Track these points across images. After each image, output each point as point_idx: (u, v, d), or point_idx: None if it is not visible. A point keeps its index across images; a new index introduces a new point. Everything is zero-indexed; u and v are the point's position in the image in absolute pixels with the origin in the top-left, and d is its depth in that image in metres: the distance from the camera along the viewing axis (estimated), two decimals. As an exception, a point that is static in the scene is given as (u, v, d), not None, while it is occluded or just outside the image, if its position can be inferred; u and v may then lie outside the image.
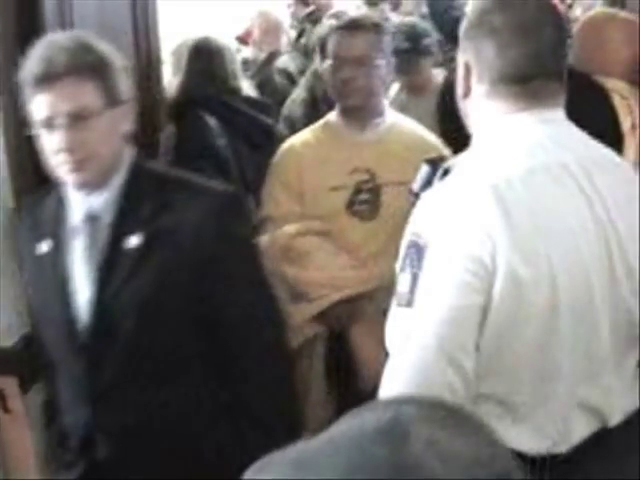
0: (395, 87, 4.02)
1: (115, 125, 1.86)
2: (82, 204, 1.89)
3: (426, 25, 4.35)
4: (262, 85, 4.49)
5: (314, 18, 5.54)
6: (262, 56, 4.93)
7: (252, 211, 2.97)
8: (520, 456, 1.62)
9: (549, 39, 1.70)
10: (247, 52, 5.28)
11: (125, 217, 1.86)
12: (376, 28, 2.87)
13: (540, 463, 1.66)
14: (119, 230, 1.85)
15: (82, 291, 1.88)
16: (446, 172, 1.75)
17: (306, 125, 3.27)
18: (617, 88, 2.79)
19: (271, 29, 4.93)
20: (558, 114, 1.72)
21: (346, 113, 2.89)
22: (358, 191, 2.82)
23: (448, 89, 3.74)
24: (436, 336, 1.55)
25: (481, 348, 1.59)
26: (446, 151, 2.81)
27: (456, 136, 3.23)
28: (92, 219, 1.88)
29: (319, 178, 2.84)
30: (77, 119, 1.78)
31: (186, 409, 1.88)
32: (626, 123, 2.69)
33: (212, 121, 3.35)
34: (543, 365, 1.63)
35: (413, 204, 1.73)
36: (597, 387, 1.69)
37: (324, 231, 2.80)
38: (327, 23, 5.23)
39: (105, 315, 1.84)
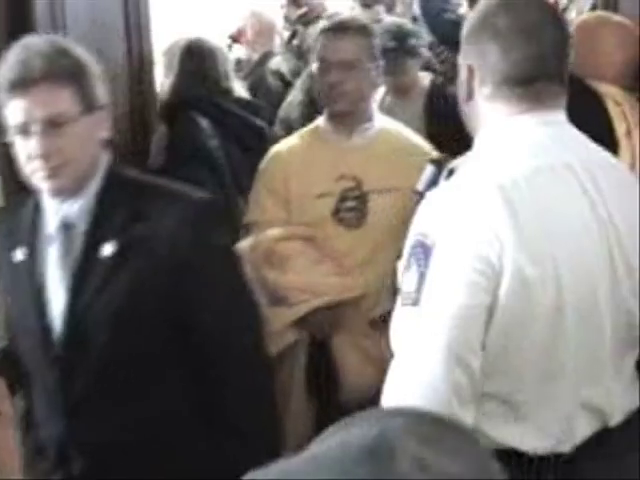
0: (381, 90, 3.95)
1: (91, 131, 1.82)
2: (57, 212, 1.86)
3: (414, 27, 4.33)
4: (255, 86, 4.48)
5: (306, 20, 5.52)
6: (255, 57, 4.92)
7: (242, 212, 2.96)
8: (524, 456, 1.66)
9: (552, 41, 1.72)
10: (240, 51, 5.27)
11: (99, 225, 1.82)
12: (364, 31, 2.82)
13: (544, 463, 1.68)
14: (93, 238, 1.82)
15: (56, 300, 1.85)
16: (451, 172, 1.77)
17: (303, 127, 3.22)
18: (611, 93, 2.78)
19: (264, 30, 4.92)
20: (560, 116, 1.74)
21: (334, 118, 2.84)
22: (344, 198, 2.77)
23: (435, 92, 3.81)
24: (443, 335, 1.56)
25: (487, 347, 1.60)
26: (435, 155, 2.74)
27: (443, 139, 3.25)
28: (67, 227, 1.84)
29: (305, 185, 2.79)
30: (53, 125, 1.75)
31: (162, 421, 1.84)
32: (620, 129, 2.68)
33: (204, 122, 3.34)
34: (547, 365, 1.65)
35: (417, 203, 1.74)
36: (599, 387, 1.71)
37: (309, 237, 2.76)
38: (320, 25, 5.24)
39: (78, 325, 1.81)
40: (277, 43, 5.08)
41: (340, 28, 2.79)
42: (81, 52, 1.84)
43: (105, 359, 1.80)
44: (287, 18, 5.66)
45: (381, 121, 2.91)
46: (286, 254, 2.72)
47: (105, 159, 1.88)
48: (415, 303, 1.59)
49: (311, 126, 2.93)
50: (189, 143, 3.31)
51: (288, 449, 2.34)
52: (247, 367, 1.87)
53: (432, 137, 3.52)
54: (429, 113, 3.82)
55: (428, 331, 1.58)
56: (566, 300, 1.62)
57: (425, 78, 3.98)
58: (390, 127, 2.92)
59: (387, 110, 3.77)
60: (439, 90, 3.90)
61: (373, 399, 2.53)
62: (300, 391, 2.75)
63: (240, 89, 3.71)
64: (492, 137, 1.73)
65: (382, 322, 2.63)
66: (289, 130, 3.84)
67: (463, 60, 1.78)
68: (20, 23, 2.51)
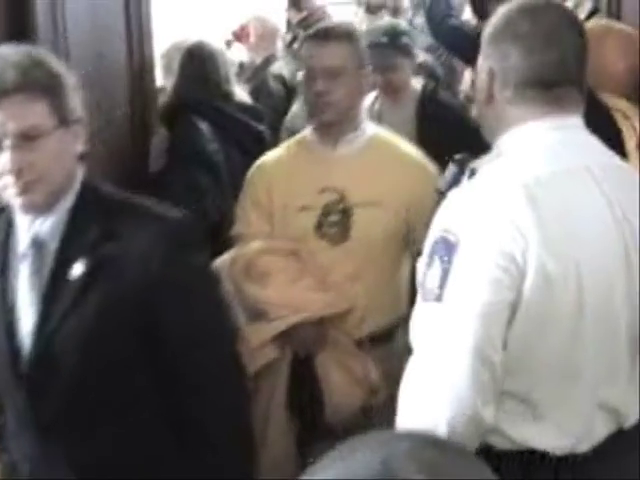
0: (371, 95, 3.90)
1: (66, 146, 1.75)
2: (29, 229, 1.79)
3: (409, 27, 4.33)
4: (257, 90, 4.48)
5: (307, 24, 5.51)
6: (258, 60, 4.92)
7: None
8: (542, 455, 1.68)
9: (572, 47, 1.75)
10: (239, 50, 5.25)
11: (70, 244, 1.76)
12: (349, 37, 2.69)
13: (562, 463, 1.69)
14: (63, 257, 1.75)
15: (26, 320, 1.78)
16: (473, 172, 1.79)
17: None
18: (620, 107, 2.78)
19: (267, 34, 4.92)
20: (578, 120, 1.77)
21: (320, 128, 2.71)
22: (327, 212, 2.64)
23: (427, 96, 3.78)
24: (467, 332, 1.57)
25: (508, 345, 1.61)
26: (430, 167, 2.72)
27: (434, 144, 3.23)
28: (38, 245, 1.78)
29: (288, 197, 2.68)
30: (26, 139, 1.68)
31: (135, 439, 1.79)
32: (630, 142, 2.69)
33: (204, 126, 3.33)
34: (566, 365, 1.66)
35: (439, 203, 1.75)
36: (616, 388, 1.72)
37: (292, 251, 2.64)
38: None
39: (47, 346, 1.75)
40: (280, 47, 5.08)
41: (324, 35, 2.68)
42: (57, 64, 1.77)
43: (75, 379, 1.75)
44: (289, 22, 5.66)
45: (371, 130, 2.79)
46: (266, 268, 2.61)
47: (80, 174, 1.81)
48: (438, 299, 1.60)
49: (299, 136, 2.84)
50: (189, 146, 3.31)
51: (267, 471, 2.30)
52: (221, 386, 1.81)
53: (423, 142, 3.47)
54: (420, 118, 3.75)
55: (451, 328, 1.59)
56: (586, 300, 1.63)
57: (417, 83, 3.91)
58: (381, 136, 2.80)
59: (378, 113, 3.77)
60: (431, 95, 3.85)
61: (358, 421, 2.55)
62: (281, 411, 2.62)
63: (241, 93, 3.72)
64: (513, 139, 1.75)
65: (370, 342, 2.61)
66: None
67: (484, 62, 1.81)
68: (20, 25, 2.50)
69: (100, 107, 2.93)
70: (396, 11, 6.19)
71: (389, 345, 2.66)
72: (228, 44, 5.22)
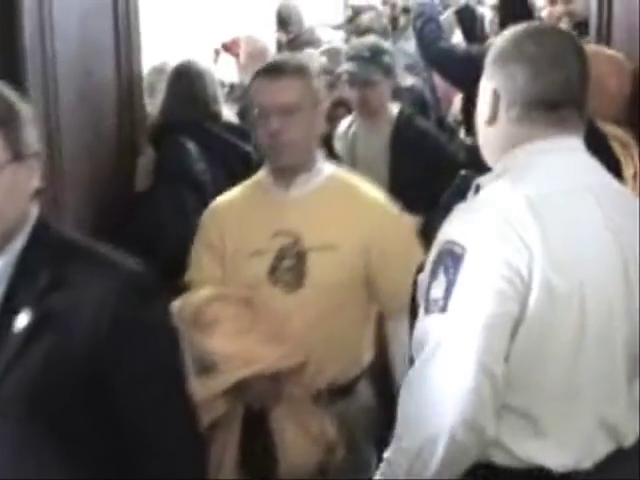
0: (347, 120, 3.90)
1: (20, 181, 1.62)
2: None
3: (393, 48, 4.33)
4: (245, 110, 4.45)
5: (294, 45, 5.52)
6: (247, 80, 4.90)
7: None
8: (545, 473, 1.67)
9: (576, 69, 1.77)
10: (228, 62, 5.22)
11: (17, 290, 1.62)
12: (302, 71, 2.52)
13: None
14: (9, 305, 1.61)
15: None
16: (478, 188, 1.79)
17: None
18: (617, 135, 2.79)
19: (256, 54, 4.89)
20: (579, 142, 1.79)
21: (273, 170, 2.56)
22: (281, 257, 2.47)
23: (403, 122, 3.72)
24: (470, 342, 1.59)
25: (510, 359, 1.62)
26: (392, 208, 2.57)
27: (407, 172, 3.21)
28: None
29: (240, 241, 2.53)
30: None
31: None
32: (628, 171, 2.69)
33: (191, 145, 3.31)
34: (567, 382, 1.67)
35: (442, 217, 1.76)
36: (616, 407, 1.73)
37: (244, 299, 2.45)
38: (308, 53, 5.22)
39: None
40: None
41: (275, 70, 2.51)
42: (12, 95, 1.66)
43: (21, 429, 1.62)
44: (279, 43, 5.65)
45: (328, 169, 2.60)
46: (215, 316, 2.40)
47: (34, 213, 1.68)
48: (443, 310, 1.62)
49: (255, 176, 2.66)
50: (176, 166, 3.28)
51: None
52: (174, 442, 1.68)
53: (396, 170, 3.55)
54: (395, 144, 3.71)
55: (455, 338, 1.61)
56: (588, 321, 1.65)
57: (394, 107, 3.85)
58: (338, 176, 2.61)
59: (353, 137, 3.76)
60: (407, 121, 3.80)
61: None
62: (233, 467, 2.43)
63: (228, 113, 3.70)
64: (517, 158, 1.77)
65: (328, 395, 2.46)
66: None
67: (488, 83, 1.82)
68: (9, 43, 2.48)
69: (87, 124, 2.91)
70: (384, 35, 6.19)
71: (350, 399, 2.54)
72: (217, 53, 5.20)
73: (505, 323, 1.60)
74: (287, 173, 2.52)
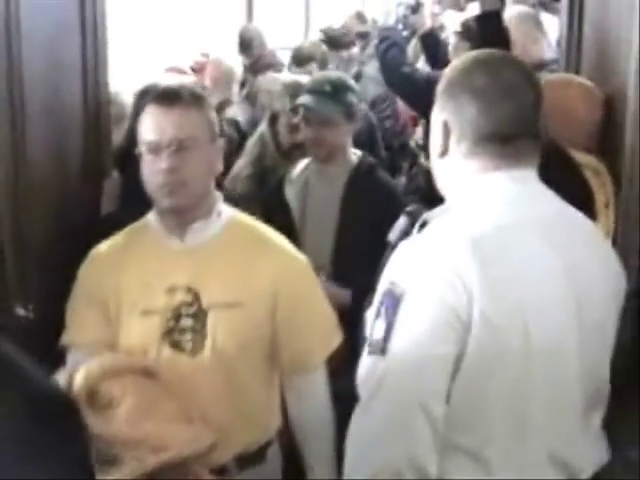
0: (302, 163, 3.41)
1: None
2: None
3: (357, 87, 3.67)
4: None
5: (256, 68, 5.48)
6: (214, 103, 4.86)
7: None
8: None
9: (529, 99, 1.74)
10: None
11: None
12: (198, 101, 2.21)
13: None
14: None
15: None
16: (424, 224, 1.76)
17: (249, 206, 2.86)
18: (589, 163, 2.78)
19: (222, 77, 4.85)
20: (532, 173, 1.76)
21: (166, 214, 2.23)
22: (177, 316, 2.18)
23: (363, 172, 3.25)
24: (409, 386, 1.58)
25: (453, 398, 1.61)
26: (300, 257, 2.34)
27: (355, 230, 2.99)
28: None
29: (127, 297, 2.21)
30: None
31: None
32: (600, 200, 2.68)
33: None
34: (514, 418, 1.64)
35: (389, 255, 1.74)
36: (567, 440, 1.71)
37: (142, 369, 2.10)
38: (272, 76, 5.17)
39: None
40: (235, 92, 5.02)
41: (169, 97, 2.17)
42: None
43: None
44: (245, 66, 5.62)
45: (227, 213, 2.32)
46: (113, 396, 2.00)
47: None
48: (382, 352, 1.60)
49: (140, 221, 2.33)
50: (142, 190, 3.21)
51: None
52: None
53: (343, 227, 3.15)
54: (347, 197, 3.24)
55: (393, 382, 1.59)
56: (534, 350, 1.62)
57: (354, 154, 3.37)
58: (238, 220, 2.33)
59: (304, 183, 3.31)
60: (367, 171, 3.30)
61: None
62: None
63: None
64: (465, 193, 1.74)
65: (237, 466, 2.23)
66: (234, 206, 3.65)
67: (438, 115, 1.78)
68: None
69: (54, 141, 2.85)
70: (323, 64, 6.10)
71: (260, 467, 2.29)
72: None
73: (443, 364, 1.58)
74: (181, 218, 2.20)
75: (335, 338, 2.35)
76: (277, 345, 2.28)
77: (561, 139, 2.71)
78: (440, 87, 1.79)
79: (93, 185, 3.14)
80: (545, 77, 3.16)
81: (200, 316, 2.18)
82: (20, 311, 2.59)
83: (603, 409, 1.81)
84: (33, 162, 2.67)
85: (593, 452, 1.76)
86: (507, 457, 1.65)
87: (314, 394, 2.36)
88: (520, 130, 1.72)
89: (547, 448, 1.68)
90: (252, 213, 2.54)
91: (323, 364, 2.36)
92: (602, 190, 2.78)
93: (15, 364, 1.41)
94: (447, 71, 1.81)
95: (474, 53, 1.85)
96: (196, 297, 2.19)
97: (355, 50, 5.43)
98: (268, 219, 3.20)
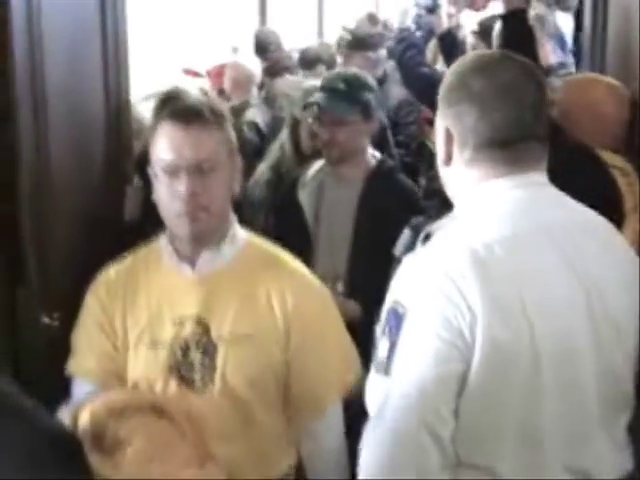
0: (317, 164, 3.24)
1: None
2: None
3: (375, 85, 3.35)
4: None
5: (273, 71, 5.46)
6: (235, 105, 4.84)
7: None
8: None
9: (530, 101, 1.69)
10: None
11: None
12: (219, 119, 2.03)
13: None
14: None
15: None
16: (428, 237, 1.73)
17: (266, 211, 2.84)
18: (617, 164, 2.73)
19: (242, 80, 4.85)
20: (539, 177, 1.71)
21: (177, 241, 2.09)
22: (186, 349, 2.06)
23: (381, 175, 3.08)
24: (413, 407, 1.55)
25: (462, 416, 1.58)
26: (314, 281, 2.19)
27: (370, 239, 2.83)
28: None
29: (135, 328, 2.10)
30: None
31: None
32: (629, 202, 2.63)
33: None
34: (527, 431, 1.61)
35: (395, 269, 1.70)
36: (585, 449, 1.66)
37: (153, 407, 1.91)
38: (289, 79, 5.14)
39: None
40: (254, 94, 5.00)
41: (185, 115, 1.99)
42: None
43: None
44: (263, 69, 5.59)
45: (242, 237, 2.15)
46: (122, 437, 1.83)
47: None
48: (386, 372, 1.59)
49: (151, 245, 2.18)
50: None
51: None
52: None
53: (359, 236, 3.00)
54: (364, 203, 3.07)
55: (396, 399, 1.57)
56: (543, 364, 1.59)
57: (373, 156, 3.19)
58: (253, 246, 2.16)
59: (319, 186, 3.15)
60: (387, 175, 3.13)
61: None
62: None
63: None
64: (469, 201, 1.71)
65: None
66: (252, 211, 3.56)
67: (440, 123, 1.75)
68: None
69: (76, 146, 2.83)
70: (330, 65, 6.03)
71: None
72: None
73: (447, 383, 1.56)
74: (196, 244, 2.06)
75: (351, 373, 2.17)
76: (287, 381, 2.14)
77: (588, 139, 2.67)
78: (440, 92, 1.75)
79: (116, 191, 3.13)
80: (553, 83, 3.12)
81: (209, 349, 2.06)
82: (45, 320, 2.58)
83: (629, 413, 1.74)
84: (56, 169, 2.66)
85: (614, 458, 1.70)
86: (522, 471, 1.61)
87: (326, 436, 2.21)
88: (520, 134, 1.67)
89: (562, 458, 1.64)
90: (267, 218, 2.45)
91: (338, 402, 2.19)
92: (630, 189, 2.73)
93: (17, 405, 1.38)
94: (446, 75, 1.77)
95: (472, 55, 1.81)
96: (206, 329, 2.06)
97: (382, 52, 5.35)
98: (280, 222, 3.15)
